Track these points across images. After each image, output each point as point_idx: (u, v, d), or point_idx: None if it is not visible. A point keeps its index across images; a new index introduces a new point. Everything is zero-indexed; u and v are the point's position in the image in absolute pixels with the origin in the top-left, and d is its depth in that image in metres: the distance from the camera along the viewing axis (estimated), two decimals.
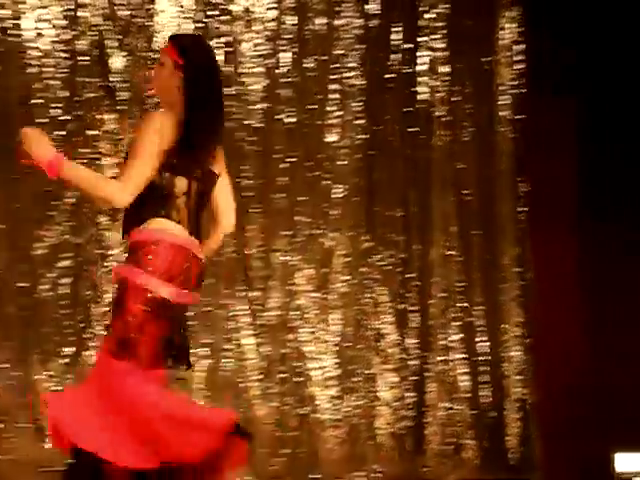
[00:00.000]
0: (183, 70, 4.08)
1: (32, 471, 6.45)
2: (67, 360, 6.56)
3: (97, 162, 6.65)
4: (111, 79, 6.71)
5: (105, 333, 4.01)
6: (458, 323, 7.14)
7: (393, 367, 7.02)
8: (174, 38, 4.22)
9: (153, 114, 4.10)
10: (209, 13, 6.87)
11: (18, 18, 6.59)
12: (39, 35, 6.63)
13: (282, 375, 6.84)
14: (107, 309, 6.64)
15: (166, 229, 3.95)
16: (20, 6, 6.60)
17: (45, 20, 6.64)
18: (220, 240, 4.36)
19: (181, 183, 4.01)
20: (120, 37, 6.74)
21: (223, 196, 4.31)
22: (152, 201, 3.96)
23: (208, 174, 4.16)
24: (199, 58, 4.11)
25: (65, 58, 6.64)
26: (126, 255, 4.04)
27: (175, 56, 4.09)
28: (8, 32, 6.57)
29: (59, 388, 6.53)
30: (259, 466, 6.72)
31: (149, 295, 3.87)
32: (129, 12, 6.76)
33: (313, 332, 6.91)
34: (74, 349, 6.58)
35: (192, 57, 4.09)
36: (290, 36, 6.97)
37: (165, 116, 4.05)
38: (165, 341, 3.91)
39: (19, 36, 6.59)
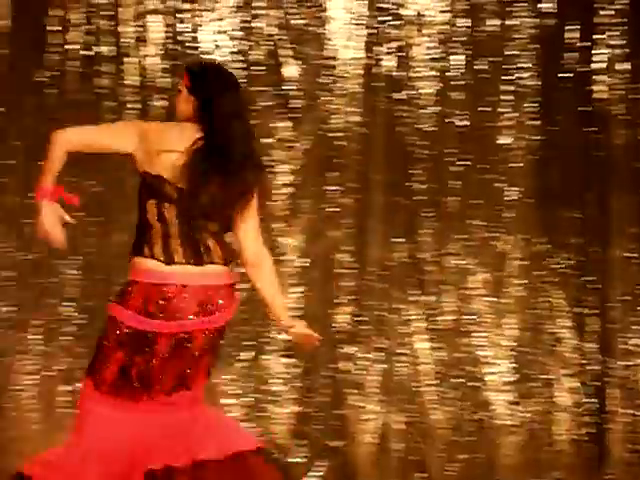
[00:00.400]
0: (195, 94, 4.09)
1: None
2: (246, 364, 6.70)
3: (271, 169, 6.78)
4: (284, 87, 6.82)
5: None
6: (639, 327, 6.94)
7: (572, 372, 6.88)
8: (188, 66, 4.23)
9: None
10: (380, 18, 6.90)
11: (196, 31, 6.78)
12: (217, 47, 6.80)
13: (457, 380, 6.80)
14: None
15: (141, 270, 3.98)
16: (198, 19, 6.79)
17: (222, 32, 6.80)
18: (264, 270, 4.30)
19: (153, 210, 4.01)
20: (294, 46, 6.85)
21: (243, 232, 4.21)
22: (136, 236, 4.03)
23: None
24: (209, 82, 4.08)
25: (241, 68, 6.78)
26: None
27: (187, 81, 4.11)
28: (187, 45, 6.76)
29: (239, 392, 6.68)
30: (435, 471, 6.71)
31: (125, 330, 3.98)
32: (303, 21, 6.86)
33: (488, 336, 6.84)
34: (252, 354, 6.72)
35: (202, 82, 4.09)
36: (462, 38, 6.93)
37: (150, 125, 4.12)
38: (139, 370, 4.01)
39: (197, 48, 6.78)
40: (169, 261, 3.99)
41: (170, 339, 4.00)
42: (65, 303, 6.59)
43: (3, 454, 6.46)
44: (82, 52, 6.68)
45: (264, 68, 6.81)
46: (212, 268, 4.08)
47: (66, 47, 6.66)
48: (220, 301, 4.12)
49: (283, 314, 4.26)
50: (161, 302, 3.97)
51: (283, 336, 6.76)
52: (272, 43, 6.82)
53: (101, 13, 6.69)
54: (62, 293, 6.59)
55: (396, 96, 6.87)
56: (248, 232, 4.14)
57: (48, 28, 6.64)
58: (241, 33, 6.82)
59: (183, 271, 3.99)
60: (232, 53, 6.80)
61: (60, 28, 6.65)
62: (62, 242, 4.00)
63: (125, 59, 6.69)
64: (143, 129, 4.03)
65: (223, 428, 4.23)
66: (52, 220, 3.96)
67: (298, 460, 6.71)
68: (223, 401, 6.66)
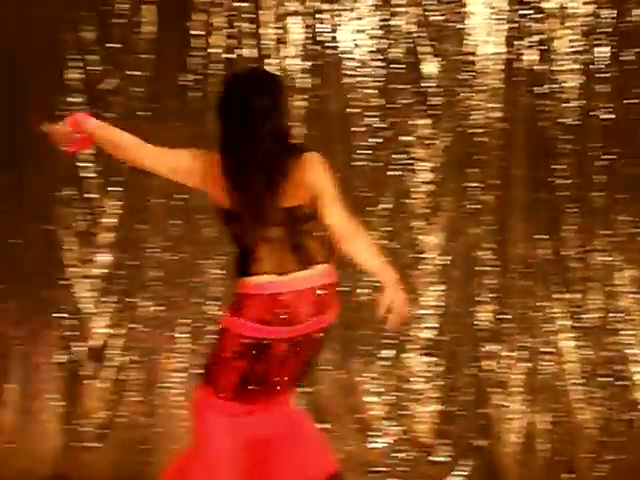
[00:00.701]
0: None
1: (359, 470, 6.63)
2: (387, 362, 6.70)
3: (410, 167, 6.76)
4: (423, 85, 6.78)
5: None
6: None
7: None
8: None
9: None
10: (521, 12, 6.79)
11: (335, 31, 6.80)
12: (356, 46, 6.81)
13: (605, 379, 6.64)
14: (423, 312, 6.74)
15: (253, 285, 4.07)
16: (337, 19, 6.81)
17: (361, 31, 6.81)
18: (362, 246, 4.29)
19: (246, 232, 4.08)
20: (433, 43, 6.80)
21: (327, 216, 4.16)
22: (239, 259, 4.14)
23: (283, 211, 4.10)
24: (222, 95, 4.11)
25: (380, 67, 6.78)
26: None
27: None
28: (326, 45, 6.79)
29: (381, 390, 6.68)
30: (582, 471, 6.58)
31: (243, 341, 4.06)
32: (442, 17, 6.81)
33: (636, 334, 6.66)
34: (394, 352, 6.71)
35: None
36: (607, 30, 6.76)
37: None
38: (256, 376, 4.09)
39: (336, 48, 6.80)
40: (281, 271, 4.06)
41: (287, 343, 4.05)
42: (209, 302, 6.70)
43: (152, 451, 6.61)
44: (224, 55, 6.78)
45: (403, 66, 6.78)
46: (318, 268, 4.16)
47: (209, 50, 6.77)
48: (328, 299, 4.13)
49: (389, 282, 4.20)
50: (277, 311, 4.05)
51: (425, 334, 6.74)
52: (411, 40, 6.79)
53: (242, 16, 6.78)
54: (206, 292, 6.71)
55: (538, 90, 6.76)
56: (330, 213, 4.09)
57: (192, 32, 6.77)
58: (380, 32, 6.81)
59: (294, 277, 4.09)
60: (371, 52, 6.80)
61: (203, 32, 6.77)
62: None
63: (266, 60, 6.76)
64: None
65: (308, 450, 4.23)
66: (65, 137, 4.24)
67: (442, 459, 6.67)
68: (365, 399, 6.67)
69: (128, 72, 6.72)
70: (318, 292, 4.12)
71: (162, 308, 6.71)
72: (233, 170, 4.03)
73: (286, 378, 4.12)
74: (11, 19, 6.70)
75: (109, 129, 4.19)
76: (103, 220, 6.71)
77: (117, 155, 4.19)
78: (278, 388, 4.13)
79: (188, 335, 6.69)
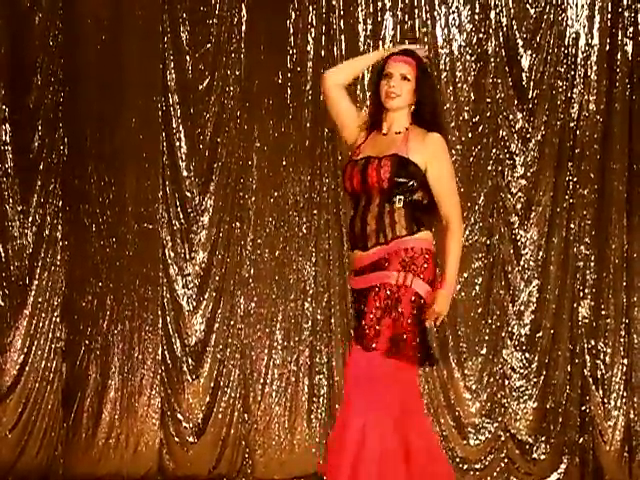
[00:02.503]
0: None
1: (457, 467, 6.60)
2: (484, 359, 6.65)
3: (507, 161, 6.69)
4: (520, 78, 6.71)
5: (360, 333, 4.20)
6: None
7: None
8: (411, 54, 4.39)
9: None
10: (620, 3, 6.67)
11: (433, 26, 6.76)
12: (450, 40, 6.75)
13: None
14: (522, 308, 6.68)
15: (428, 239, 4.25)
16: (431, 14, 6.77)
17: (455, 25, 6.76)
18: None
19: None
20: (529, 35, 6.73)
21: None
22: (417, 213, 4.24)
23: None
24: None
25: (474, 60, 6.72)
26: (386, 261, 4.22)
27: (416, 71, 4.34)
28: (424, 40, 6.75)
29: (479, 387, 6.64)
30: None
31: (420, 300, 4.16)
32: (539, 9, 6.72)
33: None
34: (491, 349, 6.66)
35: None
36: None
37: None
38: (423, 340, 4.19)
39: (432, 42, 6.75)
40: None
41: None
42: (306, 299, 6.75)
43: (249, 446, 6.68)
44: (317, 52, 6.79)
45: (498, 59, 6.71)
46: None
47: (301, 48, 6.78)
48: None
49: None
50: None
51: (522, 330, 6.67)
52: (506, 33, 6.73)
53: (336, 13, 6.77)
54: (303, 289, 6.74)
55: (637, 82, 6.63)
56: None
57: (284, 31, 6.79)
58: (475, 25, 6.75)
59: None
60: (464, 46, 6.73)
61: (296, 31, 6.78)
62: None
63: None
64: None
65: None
66: None
67: (540, 456, 6.60)
68: (463, 395, 6.63)
69: (222, 72, 6.78)
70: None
71: (259, 305, 6.76)
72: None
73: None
74: (109, 22, 6.81)
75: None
76: (201, 219, 6.79)
77: None
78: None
79: (285, 332, 6.73)
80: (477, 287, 6.67)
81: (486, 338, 6.65)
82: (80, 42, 6.83)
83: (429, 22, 6.76)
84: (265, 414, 6.67)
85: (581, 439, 6.59)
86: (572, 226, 6.65)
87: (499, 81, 6.71)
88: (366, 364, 4.18)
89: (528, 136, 6.68)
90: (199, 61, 6.79)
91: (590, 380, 6.58)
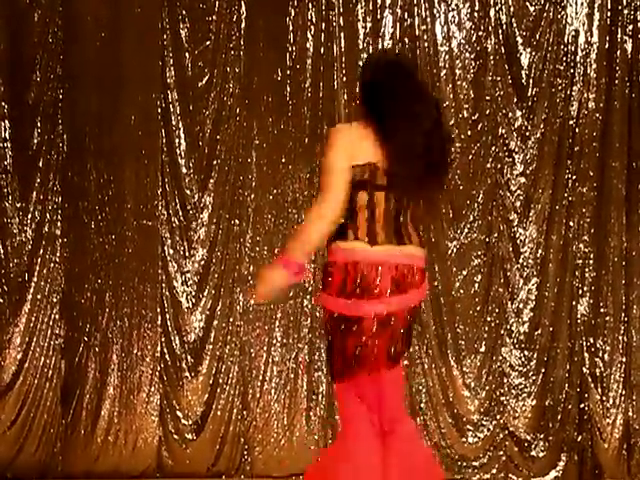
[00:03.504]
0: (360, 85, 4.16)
1: (455, 465, 6.60)
2: (482, 357, 6.65)
3: (506, 159, 6.70)
4: (519, 75, 6.71)
5: None
6: None
7: None
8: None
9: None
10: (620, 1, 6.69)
11: (432, 24, 6.76)
12: (449, 37, 6.75)
13: None
14: (521, 306, 6.68)
15: (342, 250, 4.05)
16: (431, 11, 6.77)
17: (454, 22, 6.76)
18: None
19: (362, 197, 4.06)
20: (529, 33, 6.73)
21: None
22: (340, 225, 4.06)
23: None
24: (373, 73, 4.12)
25: (473, 58, 6.72)
26: None
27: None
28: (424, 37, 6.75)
29: (477, 384, 6.64)
30: None
31: (333, 314, 4.03)
32: (539, 7, 6.73)
33: None
34: (489, 346, 6.66)
35: (365, 73, 4.15)
36: None
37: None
38: (359, 351, 4.03)
39: (432, 40, 6.75)
40: (373, 243, 4.08)
41: (372, 317, 4.05)
42: (306, 296, 6.74)
43: (248, 444, 6.68)
44: (317, 49, 6.79)
45: (497, 57, 6.72)
46: (410, 249, 4.12)
47: (302, 45, 6.78)
48: (414, 278, 4.09)
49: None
50: (359, 280, 4.04)
51: (521, 328, 6.67)
52: (505, 31, 6.73)
53: (336, 11, 6.78)
54: (302, 286, 6.73)
55: (636, 80, 6.64)
56: None
57: (285, 28, 6.79)
58: (474, 22, 6.75)
59: (383, 250, 4.07)
60: (463, 43, 6.74)
61: (296, 28, 6.79)
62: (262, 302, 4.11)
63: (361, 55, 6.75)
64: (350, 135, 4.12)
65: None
66: (274, 288, 4.05)
67: (539, 454, 6.60)
68: (461, 393, 6.64)
69: (222, 69, 6.78)
70: (403, 271, 4.09)
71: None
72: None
73: (382, 355, 4.11)
74: (108, 19, 6.81)
75: (312, 244, 4.10)
76: (200, 216, 6.79)
77: None
78: (374, 365, 4.13)
79: (285, 329, 6.73)
80: (476, 285, 6.68)
81: (485, 336, 6.66)
82: (79, 39, 6.82)
83: (428, 20, 6.76)
84: (264, 411, 6.67)
85: (580, 437, 6.59)
86: (571, 224, 6.65)
87: (498, 79, 6.71)
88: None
89: (527, 134, 6.69)
90: (198, 58, 6.79)
91: (589, 378, 6.59)
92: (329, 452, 4.34)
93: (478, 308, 6.66)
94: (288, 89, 6.77)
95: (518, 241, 6.68)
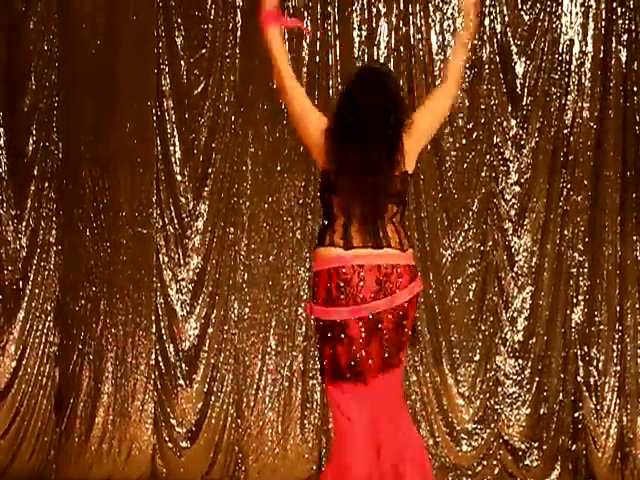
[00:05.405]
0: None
1: (449, 473, 6.60)
2: (477, 365, 6.66)
3: (501, 168, 6.71)
4: (514, 84, 6.72)
5: None
6: None
7: None
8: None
9: None
10: (615, 10, 6.69)
11: (427, 33, 6.77)
12: (445, 46, 6.77)
13: None
14: (515, 315, 6.69)
15: (321, 258, 4.10)
16: (426, 20, 6.78)
17: (450, 31, 6.76)
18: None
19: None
20: (523, 42, 6.74)
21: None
22: (320, 229, 4.15)
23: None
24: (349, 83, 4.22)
25: (468, 67, 6.73)
26: None
27: None
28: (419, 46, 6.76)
29: (471, 393, 6.65)
30: None
31: (319, 322, 4.08)
32: (533, 16, 6.74)
33: None
34: (484, 354, 6.66)
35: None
36: None
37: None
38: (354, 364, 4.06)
39: (427, 49, 6.76)
40: (348, 246, 4.09)
41: (359, 322, 4.06)
42: (300, 304, 6.75)
43: (242, 451, 6.68)
44: (313, 58, 6.80)
45: (492, 66, 6.73)
46: (388, 251, 4.11)
47: (297, 54, 6.79)
48: (399, 280, 4.09)
49: None
50: (341, 284, 4.06)
51: (515, 337, 6.68)
52: (500, 40, 6.74)
53: (332, 19, 6.79)
54: (297, 294, 6.74)
55: (631, 89, 6.64)
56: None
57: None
58: None
59: (360, 253, 4.09)
60: None
61: (292, 36, 6.80)
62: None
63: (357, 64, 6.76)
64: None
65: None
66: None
67: (533, 463, 6.61)
68: (456, 402, 6.64)
69: (217, 77, 6.79)
70: (386, 272, 4.10)
71: (253, 310, 6.76)
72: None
73: (377, 360, 4.11)
74: (103, 26, 6.82)
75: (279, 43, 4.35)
76: (195, 224, 6.80)
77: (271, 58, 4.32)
78: (370, 370, 4.12)
79: (279, 337, 6.73)
80: (470, 293, 6.68)
81: (479, 344, 6.66)
82: (75, 47, 6.83)
83: (424, 29, 6.77)
84: (258, 419, 6.67)
85: (574, 446, 6.59)
86: (566, 233, 6.66)
87: (493, 88, 6.73)
88: None
89: (522, 143, 6.70)
90: (194, 66, 6.80)
91: (583, 387, 6.59)
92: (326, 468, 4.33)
93: (472, 317, 6.67)
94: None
95: (513, 250, 6.69)
